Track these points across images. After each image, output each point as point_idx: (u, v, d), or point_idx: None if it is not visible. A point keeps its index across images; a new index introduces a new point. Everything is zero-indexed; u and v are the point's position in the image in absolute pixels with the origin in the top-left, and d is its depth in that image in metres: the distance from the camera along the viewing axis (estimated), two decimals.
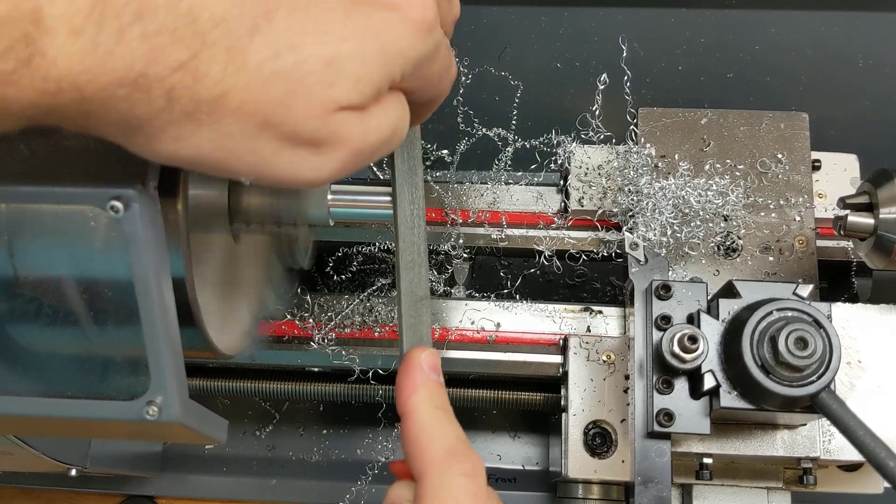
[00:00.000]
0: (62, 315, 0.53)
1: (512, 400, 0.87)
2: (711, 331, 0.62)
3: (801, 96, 0.95)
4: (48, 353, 0.56)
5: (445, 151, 0.92)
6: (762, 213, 0.80)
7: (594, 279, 0.96)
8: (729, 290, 0.64)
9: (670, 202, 0.75)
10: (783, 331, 0.57)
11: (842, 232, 0.67)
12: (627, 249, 0.70)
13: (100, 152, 0.45)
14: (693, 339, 0.60)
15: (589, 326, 0.81)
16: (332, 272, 0.89)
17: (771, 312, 0.59)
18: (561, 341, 0.80)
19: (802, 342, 0.57)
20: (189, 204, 0.52)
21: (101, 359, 0.55)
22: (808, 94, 0.95)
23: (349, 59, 0.40)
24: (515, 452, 1.01)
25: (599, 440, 0.76)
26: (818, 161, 0.84)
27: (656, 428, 0.62)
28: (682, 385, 0.63)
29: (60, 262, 0.51)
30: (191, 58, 0.36)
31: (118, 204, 0.45)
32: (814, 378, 0.58)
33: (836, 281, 0.88)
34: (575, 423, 0.76)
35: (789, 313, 0.59)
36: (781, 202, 0.80)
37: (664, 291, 0.64)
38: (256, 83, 0.38)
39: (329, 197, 0.64)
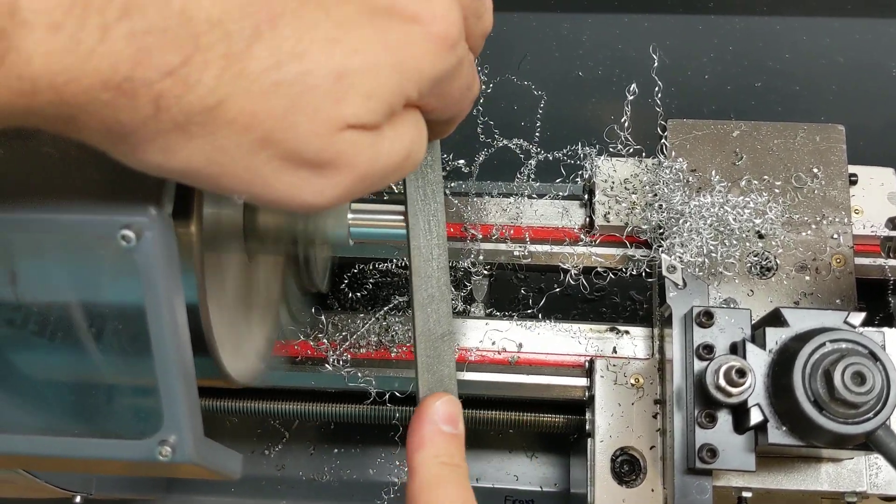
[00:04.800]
0: (68, 345, 0.50)
1: (532, 422, 0.84)
2: (758, 362, 0.58)
3: (832, 106, 0.92)
4: (54, 384, 0.53)
5: (462, 161, 0.88)
6: (800, 231, 0.76)
7: (614, 293, 0.93)
8: (775, 318, 0.60)
9: (709, 222, 0.72)
10: (838, 364, 0.54)
11: (892, 254, 0.63)
12: (665, 273, 0.66)
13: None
14: (741, 373, 0.56)
15: (615, 347, 0.78)
16: (346, 289, 0.85)
17: (824, 344, 0.55)
18: (587, 363, 0.77)
19: (860, 377, 0.53)
20: (203, 224, 0.49)
21: (110, 392, 0.52)
22: (838, 103, 0.92)
23: (361, 73, 0.36)
24: (533, 473, 0.98)
25: (628, 468, 0.73)
26: (854, 175, 0.81)
27: (698, 465, 0.59)
28: (725, 418, 0.59)
29: (65, 288, 0.48)
30: (182, 63, 0.32)
31: (130, 233, 0.41)
32: (870, 415, 0.54)
33: (871, 299, 0.85)
34: (602, 450, 0.73)
35: (843, 345, 0.55)
36: (818, 218, 0.77)
37: (706, 319, 0.61)
38: (256, 94, 0.34)
39: (349, 216, 0.61)
